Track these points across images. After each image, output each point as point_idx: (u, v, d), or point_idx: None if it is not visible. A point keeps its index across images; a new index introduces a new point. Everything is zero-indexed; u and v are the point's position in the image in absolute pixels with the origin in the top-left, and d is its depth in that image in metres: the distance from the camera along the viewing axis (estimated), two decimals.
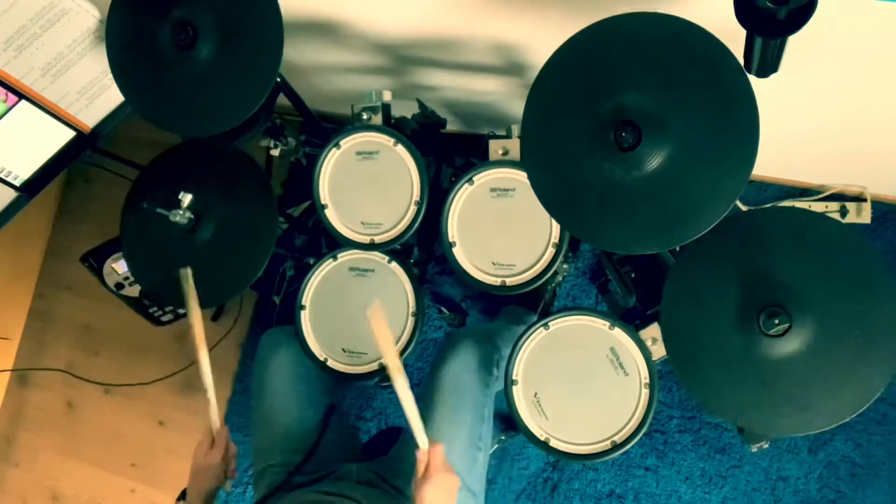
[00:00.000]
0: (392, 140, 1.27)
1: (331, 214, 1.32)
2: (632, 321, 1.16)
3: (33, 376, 2.37)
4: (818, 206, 1.68)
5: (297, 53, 1.57)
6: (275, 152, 1.50)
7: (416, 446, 1.05)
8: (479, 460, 1.26)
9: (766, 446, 1.27)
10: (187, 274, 1.23)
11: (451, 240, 1.24)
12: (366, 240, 1.30)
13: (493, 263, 1.22)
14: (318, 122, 1.56)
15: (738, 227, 1.03)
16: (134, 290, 1.99)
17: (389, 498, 1.23)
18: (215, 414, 1.25)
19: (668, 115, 0.91)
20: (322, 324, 1.35)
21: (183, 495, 1.20)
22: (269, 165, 1.60)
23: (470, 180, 1.23)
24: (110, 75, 1.29)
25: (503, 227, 1.22)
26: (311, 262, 1.38)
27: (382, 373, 1.31)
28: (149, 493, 2.20)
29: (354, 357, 1.33)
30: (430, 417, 1.25)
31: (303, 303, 1.36)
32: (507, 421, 1.69)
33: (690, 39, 0.90)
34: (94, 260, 1.96)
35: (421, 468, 1.04)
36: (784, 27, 0.71)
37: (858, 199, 1.67)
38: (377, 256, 1.32)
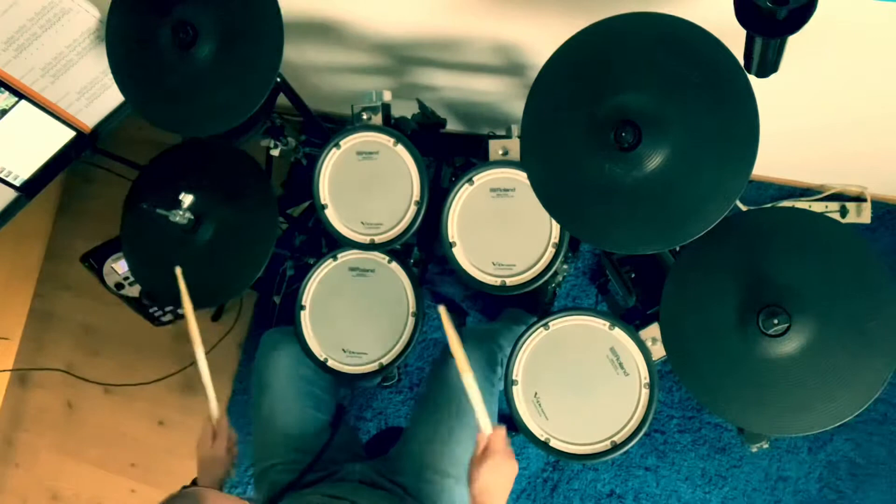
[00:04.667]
0: (392, 140, 1.27)
1: (331, 214, 1.32)
2: (632, 321, 1.16)
3: (33, 376, 2.37)
4: (818, 206, 1.68)
5: (297, 53, 1.57)
6: (275, 152, 1.50)
7: (476, 430, 1.07)
8: None
9: (766, 446, 1.27)
10: (178, 274, 1.26)
11: (451, 240, 1.24)
12: (366, 240, 1.30)
13: (493, 263, 1.22)
14: (318, 122, 1.56)
15: (738, 227, 1.03)
16: (134, 290, 1.99)
17: (392, 498, 1.23)
18: (215, 405, 1.25)
19: (667, 114, 0.91)
20: (322, 324, 1.35)
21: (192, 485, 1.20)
22: (269, 165, 1.60)
23: (470, 180, 1.23)
24: (110, 75, 1.29)
25: (503, 227, 1.22)
26: (311, 262, 1.38)
27: (382, 373, 1.31)
28: (149, 493, 2.19)
29: (354, 357, 1.33)
30: (437, 416, 1.25)
31: (303, 303, 1.36)
32: (508, 421, 1.69)
33: (690, 39, 0.90)
34: (94, 260, 1.96)
35: (480, 448, 1.05)
36: (784, 27, 0.71)
37: (858, 199, 1.67)
38: (377, 256, 1.32)
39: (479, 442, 1.06)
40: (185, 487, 1.08)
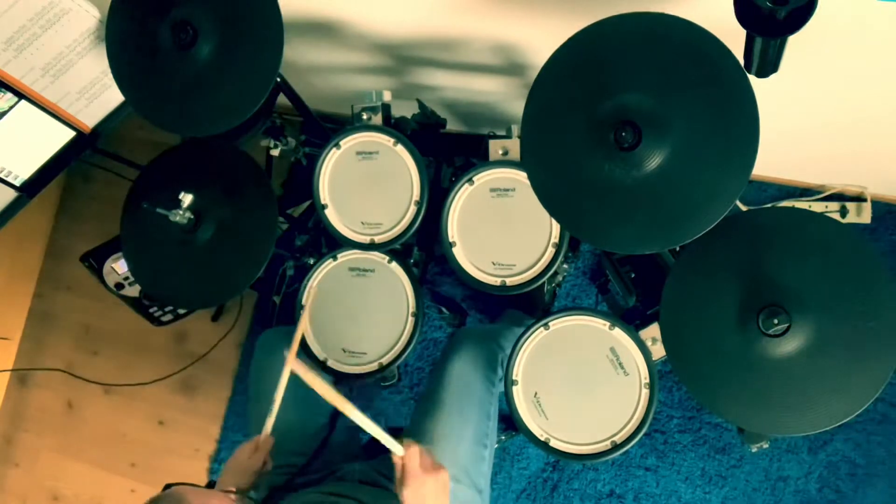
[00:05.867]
0: (392, 140, 1.27)
1: (331, 214, 1.32)
2: (632, 321, 1.16)
3: (33, 376, 2.37)
4: (818, 206, 1.68)
5: (297, 53, 1.57)
6: (275, 152, 1.50)
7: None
8: (485, 458, 1.27)
9: (766, 446, 1.27)
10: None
11: (451, 240, 1.24)
12: (366, 240, 1.30)
13: (493, 263, 1.22)
14: (318, 122, 1.56)
15: (738, 227, 1.03)
16: (134, 290, 1.99)
17: (392, 496, 1.23)
18: (270, 422, 1.24)
19: (667, 114, 0.91)
20: (322, 324, 1.35)
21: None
22: (269, 165, 1.60)
23: (470, 180, 1.23)
24: (110, 75, 1.29)
25: (503, 227, 1.22)
26: (311, 262, 1.38)
27: (382, 373, 1.31)
28: (149, 492, 2.15)
29: (354, 357, 1.33)
30: (437, 415, 1.25)
31: (303, 303, 1.36)
32: (507, 421, 1.69)
33: (690, 39, 0.90)
34: (94, 260, 1.96)
35: (398, 471, 1.04)
36: (784, 27, 0.71)
37: (858, 199, 1.67)
38: (377, 256, 1.32)
39: (395, 466, 1.05)
40: (166, 487, 1.08)
